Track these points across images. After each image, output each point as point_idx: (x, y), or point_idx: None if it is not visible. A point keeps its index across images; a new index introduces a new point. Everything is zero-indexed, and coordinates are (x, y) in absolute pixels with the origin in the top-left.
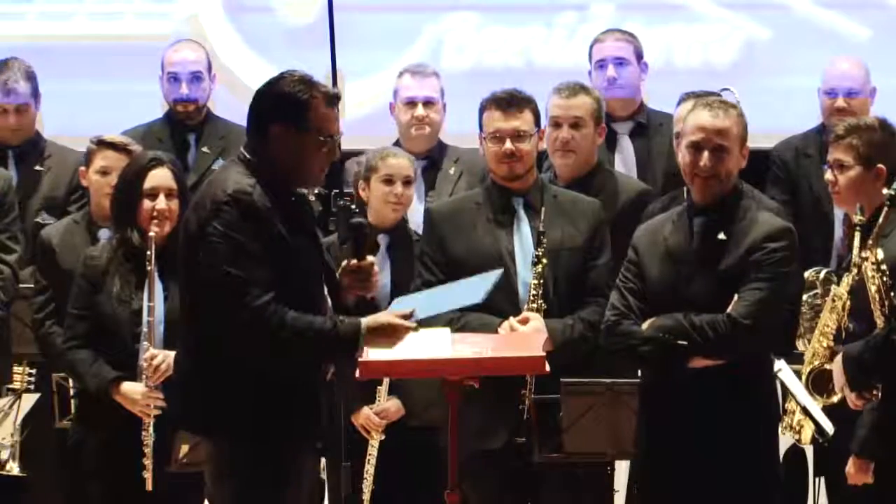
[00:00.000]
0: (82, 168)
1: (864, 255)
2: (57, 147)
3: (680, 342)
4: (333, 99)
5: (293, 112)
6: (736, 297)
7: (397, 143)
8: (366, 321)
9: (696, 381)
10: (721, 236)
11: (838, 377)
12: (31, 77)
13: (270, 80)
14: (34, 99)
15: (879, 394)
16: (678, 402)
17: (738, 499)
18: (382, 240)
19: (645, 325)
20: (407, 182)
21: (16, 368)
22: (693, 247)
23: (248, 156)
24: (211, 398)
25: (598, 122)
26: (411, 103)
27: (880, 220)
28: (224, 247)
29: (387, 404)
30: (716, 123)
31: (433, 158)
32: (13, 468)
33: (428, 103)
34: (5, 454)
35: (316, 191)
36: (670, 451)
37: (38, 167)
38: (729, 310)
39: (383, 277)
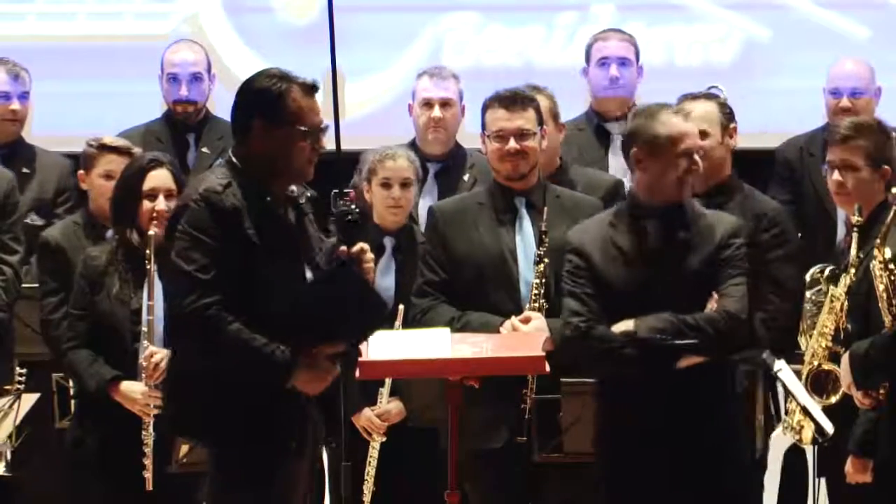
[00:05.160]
0: (81, 171)
1: (862, 254)
2: (41, 151)
3: (683, 342)
4: (310, 89)
5: (269, 106)
6: (715, 294)
7: (413, 143)
8: (301, 361)
9: (666, 381)
10: (682, 236)
11: (845, 376)
12: None
13: (247, 79)
14: None
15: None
16: (647, 401)
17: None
18: (388, 242)
19: (621, 328)
20: (405, 184)
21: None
22: (650, 249)
23: (233, 157)
24: (189, 400)
25: (554, 118)
26: (428, 105)
27: (888, 219)
28: (184, 244)
29: (388, 406)
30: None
31: (449, 162)
32: None
33: (445, 105)
34: None
35: (309, 193)
36: (640, 452)
37: (25, 169)
38: (718, 307)
39: (388, 279)
